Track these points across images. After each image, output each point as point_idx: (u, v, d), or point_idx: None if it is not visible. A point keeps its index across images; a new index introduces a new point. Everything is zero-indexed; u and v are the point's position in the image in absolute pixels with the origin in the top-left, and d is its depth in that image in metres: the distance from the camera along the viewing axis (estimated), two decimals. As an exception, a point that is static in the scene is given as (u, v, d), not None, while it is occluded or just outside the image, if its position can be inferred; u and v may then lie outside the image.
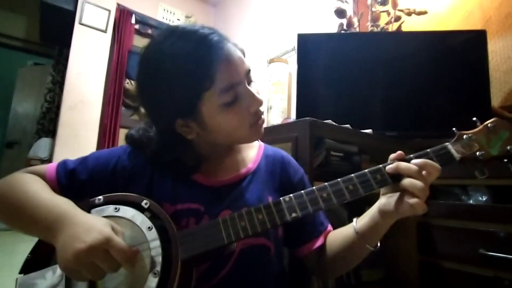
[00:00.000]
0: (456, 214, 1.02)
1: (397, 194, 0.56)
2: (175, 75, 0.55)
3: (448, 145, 0.58)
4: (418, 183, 0.52)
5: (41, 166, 0.63)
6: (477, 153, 0.56)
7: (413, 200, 0.52)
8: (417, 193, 0.52)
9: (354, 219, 0.64)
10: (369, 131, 1.22)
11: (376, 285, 1.16)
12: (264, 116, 0.65)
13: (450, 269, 1.01)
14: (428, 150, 0.57)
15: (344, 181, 0.56)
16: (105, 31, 2.99)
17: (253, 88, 0.61)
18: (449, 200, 1.08)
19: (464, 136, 0.58)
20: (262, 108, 0.63)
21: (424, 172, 0.53)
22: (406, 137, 1.29)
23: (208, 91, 0.55)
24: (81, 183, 0.61)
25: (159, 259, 0.50)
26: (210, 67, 0.55)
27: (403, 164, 0.54)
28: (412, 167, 0.53)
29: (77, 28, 2.86)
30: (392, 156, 0.58)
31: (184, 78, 0.55)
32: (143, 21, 3.31)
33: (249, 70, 0.61)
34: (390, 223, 0.59)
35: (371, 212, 0.61)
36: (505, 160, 0.57)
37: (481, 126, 0.59)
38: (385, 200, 0.58)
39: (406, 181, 0.53)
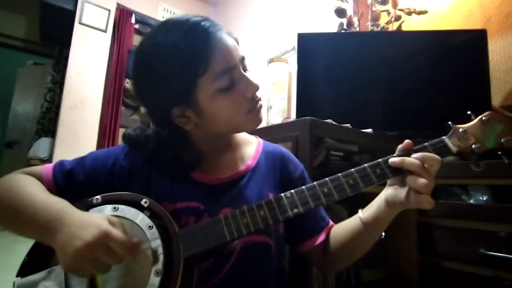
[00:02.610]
0: (457, 214, 1.01)
1: (404, 186, 0.56)
2: (168, 62, 0.56)
3: (445, 138, 0.59)
4: (421, 180, 0.52)
5: (38, 167, 0.62)
6: (473, 146, 0.58)
7: (419, 197, 0.53)
8: (422, 190, 0.52)
9: (360, 210, 0.65)
10: (369, 130, 1.21)
11: (377, 285, 1.15)
12: (261, 102, 0.64)
13: (450, 269, 1.01)
14: (426, 144, 0.58)
15: (345, 176, 0.57)
16: (105, 31, 3.00)
17: (248, 75, 0.61)
18: (449, 200, 1.08)
19: (460, 130, 0.59)
20: (259, 94, 0.63)
21: (425, 165, 0.54)
22: (406, 136, 1.26)
23: (203, 76, 0.56)
24: (78, 183, 0.60)
25: (160, 258, 0.50)
26: (203, 51, 0.55)
27: (408, 160, 0.55)
28: (416, 162, 0.54)
29: (77, 27, 2.86)
30: (401, 146, 0.58)
31: (178, 64, 0.55)
32: (143, 21, 3.31)
33: (244, 58, 0.62)
34: (396, 213, 0.60)
35: (377, 203, 0.61)
36: (500, 152, 0.58)
37: (476, 120, 0.60)
38: (393, 191, 0.58)
39: (410, 179, 0.54)
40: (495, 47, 1.46)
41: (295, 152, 0.95)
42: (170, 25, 0.58)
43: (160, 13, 3.50)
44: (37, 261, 0.52)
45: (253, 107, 0.62)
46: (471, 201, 1.03)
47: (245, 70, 0.62)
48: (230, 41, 0.59)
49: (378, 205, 0.61)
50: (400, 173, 0.56)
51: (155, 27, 0.61)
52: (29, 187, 0.55)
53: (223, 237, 0.53)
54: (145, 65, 0.60)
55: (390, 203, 0.58)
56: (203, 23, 0.57)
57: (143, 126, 0.67)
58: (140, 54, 0.61)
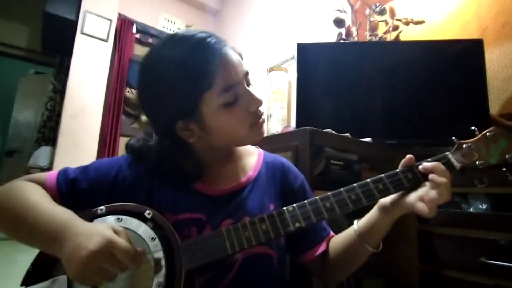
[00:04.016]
0: (457, 222, 1.02)
1: (400, 192, 0.57)
2: (174, 77, 0.57)
3: (449, 154, 0.58)
4: (441, 192, 0.52)
5: (41, 174, 0.62)
6: (477, 162, 0.57)
7: (428, 205, 0.52)
8: (436, 200, 0.52)
9: (355, 221, 0.65)
10: (368, 139, 1.22)
11: (378, 294, 1.15)
12: (264, 117, 0.65)
13: (451, 278, 1.01)
14: (429, 159, 0.57)
15: (347, 191, 0.57)
16: (106, 41, 3.02)
17: (252, 90, 0.62)
18: (449, 208, 1.08)
19: (464, 145, 0.58)
20: (262, 109, 0.64)
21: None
22: (406, 145, 1.29)
23: (207, 91, 0.57)
24: (81, 192, 0.60)
25: (162, 270, 0.50)
26: (208, 67, 0.56)
27: (442, 166, 0.54)
28: (447, 174, 0.54)
29: (78, 37, 2.88)
30: (403, 162, 0.58)
31: (183, 79, 0.56)
32: (144, 30, 3.34)
33: (247, 72, 0.63)
34: (389, 221, 0.59)
35: (371, 211, 0.62)
36: (504, 169, 0.57)
37: (480, 135, 0.59)
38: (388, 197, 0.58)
39: (434, 182, 0.53)
40: (492, 57, 1.48)
41: (295, 161, 0.95)
42: (176, 40, 0.59)
43: (161, 23, 3.53)
44: (41, 270, 0.52)
45: (255, 122, 0.63)
46: (471, 209, 1.03)
47: (248, 84, 0.62)
48: (234, 57, 0.60)
49: (371, 213, 0.62)
50: (402, 190, 0.56)
51: (161, 41, 0.62)
52: (34, 195, 0.55)
53: (225, 250, 0.53)
54: (150, 79, 0.61)
55: (384, 208, 0.59)
56: (208, 40, 0.58)
57: (146, 137, 0.68)
58: (145, 67, 0.61)
